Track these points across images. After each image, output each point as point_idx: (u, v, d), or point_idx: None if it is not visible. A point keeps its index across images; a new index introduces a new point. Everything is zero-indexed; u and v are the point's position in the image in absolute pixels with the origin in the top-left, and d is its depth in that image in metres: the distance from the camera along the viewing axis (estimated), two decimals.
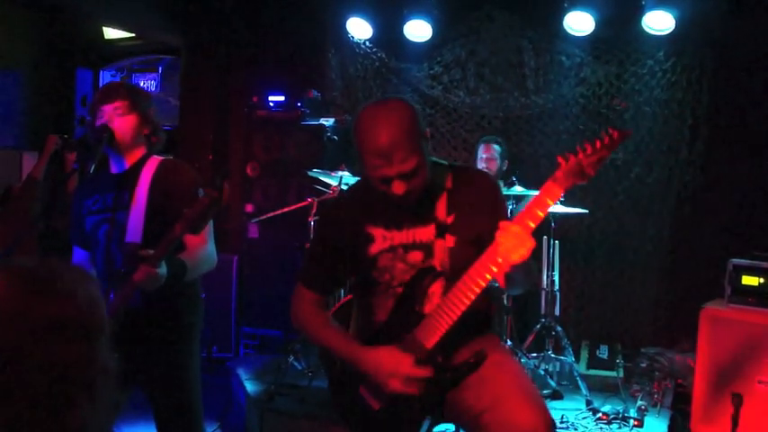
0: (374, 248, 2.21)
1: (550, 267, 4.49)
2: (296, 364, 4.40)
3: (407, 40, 5.28)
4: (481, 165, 4.81)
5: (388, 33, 5.38)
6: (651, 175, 4.90)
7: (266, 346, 5.56)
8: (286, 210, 4.75)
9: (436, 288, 2.17)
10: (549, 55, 5.11)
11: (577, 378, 4.21)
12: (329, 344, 2.29)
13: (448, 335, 2.09)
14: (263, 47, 6.09)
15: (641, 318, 4.96)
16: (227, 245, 5.81)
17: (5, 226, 4.45)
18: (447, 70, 5.38)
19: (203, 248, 2.56)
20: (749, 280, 3.57)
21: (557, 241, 4.48)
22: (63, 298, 1.05)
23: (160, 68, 7.19)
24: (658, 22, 4.62)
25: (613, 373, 4.45)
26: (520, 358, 4.22)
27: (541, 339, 4.44)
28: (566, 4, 4.76)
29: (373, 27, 5.38)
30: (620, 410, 3.91)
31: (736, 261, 3.63)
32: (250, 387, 4.39)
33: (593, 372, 4.60)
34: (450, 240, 2.17)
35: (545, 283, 4.46)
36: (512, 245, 1.89)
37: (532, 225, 1.92)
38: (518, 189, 4.25)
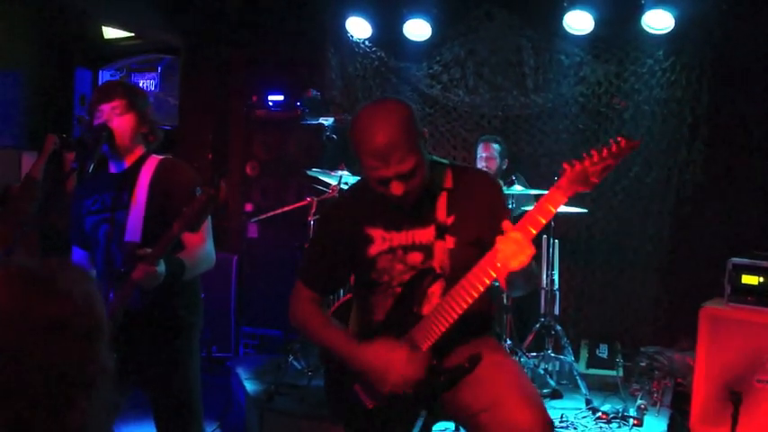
0: (373, 250, 2.21)
1: (550, 266, 4.49)
2: (295, 363, 4.39)
3: (407, 39, 5.28)
4: (481, 164, 4.81)
5: (388, 33, 5.38)
6: (651, 174, 4.90)
7: (266, 346, 5.56)
8: (285, 209, 4.75)
9: (435, 289, 2.17)
10: (549, 54, 5.11)
11: (577, 377, 4.21)
12: (326, 342, 2.29)
13: (445, 337, 2.08)
14: (263, 46, 6.09)
15: (641, 317, 4.97)
16: (227, 244, 5.81)
17: (5, 226, 4.45)
18: (446, 69, 5.38)
19: (202, 247, 2.56)
20: (749, 279, 3.57)
21: (557, 240, 4.48)
22: (62, 298, 1.05)
23: (159, 68, 7.18)
24: (658, 22, 4.62)
25: (613, 373, 4.45)
26: (519, 357, 4.22)
27: (541, 338, 4.44)
28: (565, 3, 4.76)
29: (373, 26, 5.38)
30: (620, 409, 3.91)
31: (735, 260, 3.63)
32: (250, 387, 4.39)
33: (592, 371, 4.60)
34: (449, 241, 2.16)
35: (545, 282, 4.46)
36: (511, 251, 1.88)
37: (534, 232, 1.91)
38: (518, 188, 4.25)
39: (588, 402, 4.06)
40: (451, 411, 2.20)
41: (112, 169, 2.64)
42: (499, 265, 1.93)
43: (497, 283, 2.14)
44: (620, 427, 3.80)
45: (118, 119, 2.54)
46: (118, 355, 1.14)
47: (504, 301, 4.37)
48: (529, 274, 2.03)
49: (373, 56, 5.56)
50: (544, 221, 1.92)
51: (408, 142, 2.02)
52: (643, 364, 4.25)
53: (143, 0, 6.04)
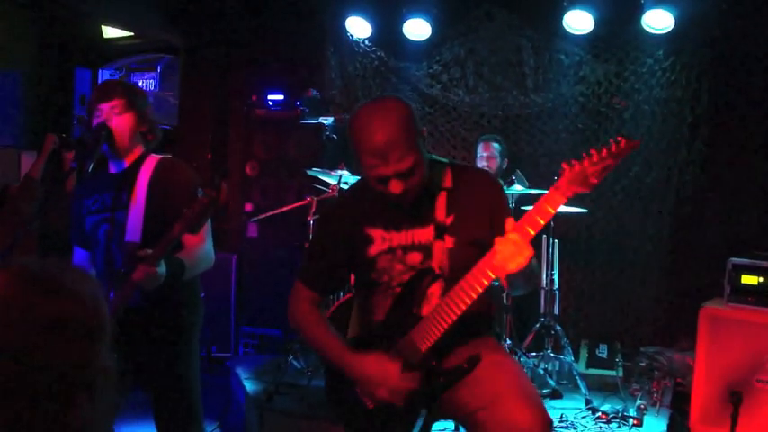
0: (373, 250, 2.21)
1: (550, 266, 4.49)
2: (295, 363, 4.39)
3: (406, 38, 5.27)
4: (481, 163, 4.81)
5: (388, 32, 5.38)
6: (651, 174, 4.89)
7: (265, 346, 5.56)
8: (285, 209, 4.75)
9: (435, 290, 2.16)
10: (549, 54, 5.11)
11: (577, 377, 4.21)
12: (321, 346, 2.29)
13: (444, 337, 2.08)
14: (263, 46, 6.09)
15: (641, 317, 4.96)
16: (227, 244, 5.81)
17: (4, 226, 4.45)
18: (446, 69, 5.38)
19: (201, 247, 2.56)
20: (749, 279, 3.57)
21: (556, 240, 4.48)
22: (65, 297, 1.05)
23: (159, 67, 7.17)
24: (658, 21, 4.62)
25: (613, 372, 4.45)
26: (519, 357, 4.22)
27: (541, 338, 4.44)
28: (565, 3, 4.76)
29: (372, 26, 5.37)
30: (620, 409, 3.91)
31: (735, 260, 3.63)
32: (249, 386, 4.39)
33: (592, 371, 4.60)
34: (449, 241, 2.15)
35: (545, 282, 4.46)
36: (509, 253, 1.88)
37: (532, 233, 1.90)
38: (518, 188, 4.24)
39: (588, 402, 4.06)
40: (450, 410, 2.20)
41: (112, 169, 2.64)
42: (497, 266, 1.92)
43: (498, 283, 2.14)
44: (619, 427, 3.80)
45: (117, 118, 2.54)
46: (118, 355, 1.13)
47: (504, 300, 4.36)
48: (529, 274, 2.02)
49: (373, 55, 5.56)
50: (542, 222, 1.91)
51: (407, 140, 2.02)
52: (643, 364, 4.25)
53: (143, 0, 6.04)
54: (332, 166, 4.55)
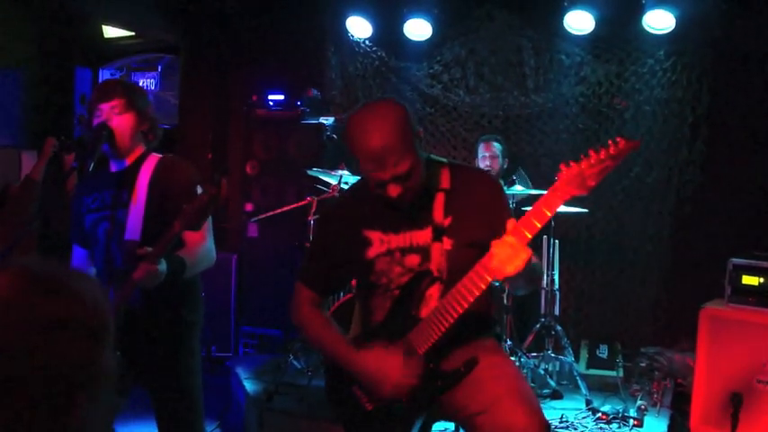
0: (372, 252, 2.20)
1: (550, 266, 4.48)
2: (295, 363, 4.39)
3: (407, 38, 5.27)
4: (484, 163, 4.79)
5: (388, 32, 5.38)
6: (651, 174, 4.89)
7: (265, 346, 5.56)
8: (285, 209, 4.74)
9: (433, 292, 2.15)
10: (549, 54, 5.11)
11: (577, 378, 4.21)
12: (324, 346, 2.30)
13: (442, 340, 2.08)
14: (263, 46, 6.09)
15: (641, 317, 4.96)
16: (227, 244, 5.81)
17: (4, 226, 4.45)
18: (447, 69, 5.38)
19: (202, 245, 2.56)
20: (749, 280, 3.57)
21: (557, 240, 4.47)
22: (66, 298, 1.05)
23: (159, 67, 7.17)
24: (659, 21, 4.62)
25: (613, 373, 4.45)
26: (519, 358, 4.22)
27: (541, 339, 4.44)
28: (566, 3, 4.76)
29: (373, 26, 5.37)
30: (620, 410, 3.91)
31: (736, 261, 3.62)
32: (249, 386, 4.39)
33: (592, 371, 4.60)
34: (447, 243, 2.14)
35: (545, 282, 4.45)
36: (506, 256, 1.87)
37: (529, 235, 1.89)
38: (518, 188, 4.24)
39: (588, 403, 4.06)
40: (449, 412, 2.20)
41: (113, 168, 2.63)
42: (493, 269, 1.91)
43: (498, 283, 2.14)
44: (620, 427, 3.80)
45: (117, 118, 2.54)
46: (118, 355, 1.13)
47: (504, 301, 4.36)
48: (530, 274, 2.01)
49: (373, 55, 5.56)
50: (539, 225, 1.89)
51: (404, 144, 2.01)
52: (643, 364, 4.25)
53: (143, 0, 6.03)
54: (332, 166, 4.55)
